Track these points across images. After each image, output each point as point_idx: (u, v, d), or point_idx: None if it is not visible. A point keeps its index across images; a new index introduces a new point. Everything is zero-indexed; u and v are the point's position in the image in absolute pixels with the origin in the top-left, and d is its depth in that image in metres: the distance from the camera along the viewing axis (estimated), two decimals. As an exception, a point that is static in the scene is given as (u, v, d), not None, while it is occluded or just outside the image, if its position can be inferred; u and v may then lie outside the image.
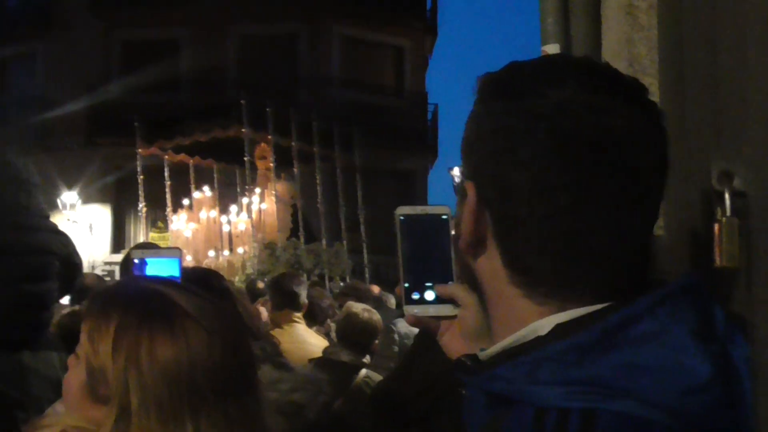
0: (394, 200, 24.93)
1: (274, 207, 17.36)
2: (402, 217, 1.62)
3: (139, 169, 18.33)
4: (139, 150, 18.37)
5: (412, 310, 1.60)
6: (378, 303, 8.95)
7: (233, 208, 17.72)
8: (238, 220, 17.34)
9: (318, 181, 18.08)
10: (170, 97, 26.73)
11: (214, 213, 17.95)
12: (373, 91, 29.08)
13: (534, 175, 1.17)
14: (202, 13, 27.94)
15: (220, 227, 17.69)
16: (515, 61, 1.30)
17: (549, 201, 1.16)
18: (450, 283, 1.57)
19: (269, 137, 17.34)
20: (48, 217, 4.65)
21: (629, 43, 1.85)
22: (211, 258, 16.73)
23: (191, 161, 19.20)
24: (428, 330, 1.65)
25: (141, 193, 18.43)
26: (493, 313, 1.28)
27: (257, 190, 17.60)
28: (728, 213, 1.17)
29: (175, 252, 2.63)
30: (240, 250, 16.63)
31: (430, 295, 1.60)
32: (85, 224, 26.95)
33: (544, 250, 1.18)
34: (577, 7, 2.37)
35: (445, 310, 1.59)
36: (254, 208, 17.24)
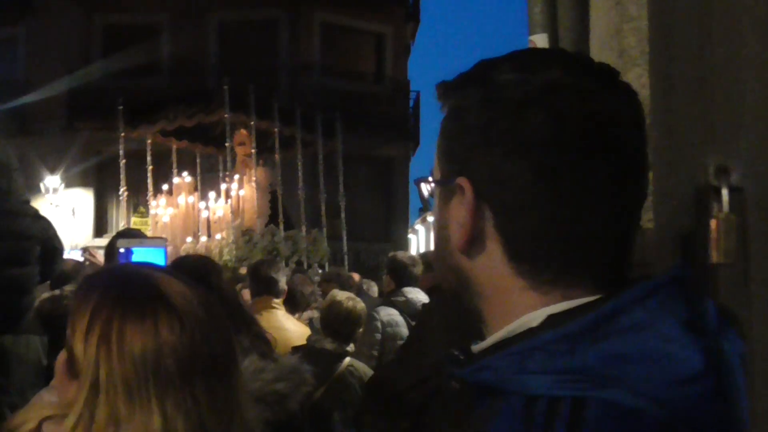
0: (375, 187, 25.06)
1: (254, 193, 17.22)
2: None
3: (121, 153, 18.15)
4: (123, 134, 18.19)
5: None
6: (359, 290, 8.95)
7: (212, 194, 17.58)
8: (216, 206, 17.22)
9: (299, 168, 17.98)
10: (151, 81, 26.76)
11: (192, 198, 17.81)
12: (354, 78, 29.01)
13: (533, 160, 1.17)
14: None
15: (198, 213, 17.56)
16: (484, 59, 1.29)
17: (550, 185, 1.17)
18: None
19: (251, 123, 17.20)
20: (28, 201, 4.65)
21: (618, 34, 1.78)
22: (189, 244, 16.55)
23: (174, 145, 19.05)
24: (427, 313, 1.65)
25: (123, 177, 18.27)
26: (491, 310, 1.27)
27: (236, 176, 17.46)
28: (725, 209, 1.16)
29: (160, 241, 2.64)
30: (218, 236, 16.49)
31: None
32: (67, 208, 26.90)
33: (548, 235, 1.18)
34: None
35: None
36: (233, 194, 17.12)
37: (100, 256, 11.23)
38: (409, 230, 32.56)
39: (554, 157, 1.16)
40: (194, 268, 3.26)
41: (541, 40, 2.49)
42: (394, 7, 29.98)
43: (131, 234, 4.43)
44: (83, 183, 27.98)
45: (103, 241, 26.47)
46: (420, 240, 47.94)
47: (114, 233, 22.10)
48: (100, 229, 27.96)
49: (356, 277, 10.93)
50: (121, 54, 27.51)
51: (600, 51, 1.83)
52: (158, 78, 27.38)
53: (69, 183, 27.46)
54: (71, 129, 27.25)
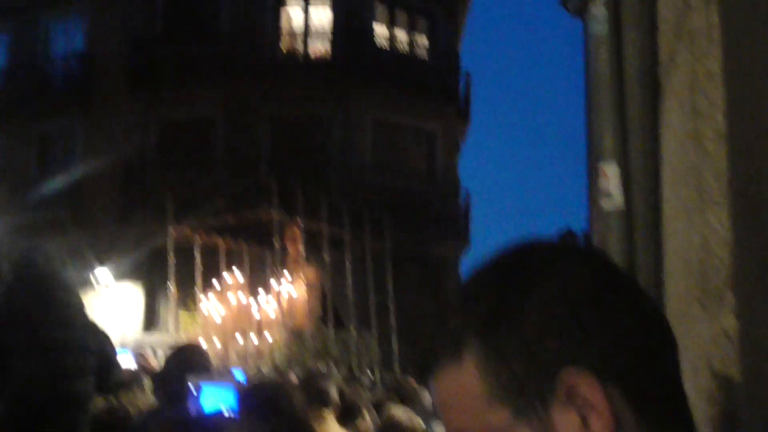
0: (425, 287, 24.81)
1: (303, 292, 17.23)
2: None
3: (169, 248, 18.23)
4: (171, 229, 18.29)
5: None
6: (414, 396, 8.69)
7: (262, 291, 17.55)
8: (266, 305, 17.17)
9: (348, 267, 17.87)
10: (203, 177, 26.99)
11: (243, 296, 17.78)
12: (405, 176, 29.08)
13: (629, 327, 1.13)
14: (237, 94, 28.21)
15: (248, 311, 17.52)
16: (519, 250, 1.21)
17: (647, 343, 1.14)
18: None
19: (299, 221, 17.21)
20: (84, 309, 4.60)
21: (695, 171, 1.72)
22: (240, 344, 16.52)
23: (221, 242, 19.06)
24: None
25: (171, 272, 18.32)
26: None
27: (286, 274, 17.43)
28: None
29: (229, 379, 2.57)
30: (267, 334, 16.44)
31: None
32: (117, 301, 26.75)
33: (664, 384, 1.15)
34: (634, 125, 2.23)
35: None
36: (283, 293, 17.07)
37: (152, 360, 11.09)
38: None
39: (637, 322, 1.15)
40: (266, 400, 3.41)
41: (611, 170, 2.41)
42: (445, 106, 30.07)
43: (192, 358, 4.53)
44: (134, 276, 27.92)
45: (152, 337, 26.48)
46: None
47: (163, 329, 22.01)
48: (149, 323, 27.92)
49: (411, 382, 10.65)
50: (175, 149, 27.88)
51: (676, 185, 1.70)
52: (210, 173, 27.62)
53: (119, 276, 27.38)
54: (123, 222, 27.40)
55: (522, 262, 1.16)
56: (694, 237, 1.82)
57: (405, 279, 24.44)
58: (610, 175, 2.37)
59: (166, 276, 20.60)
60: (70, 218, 27.64)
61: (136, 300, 28.17)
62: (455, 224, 29.77)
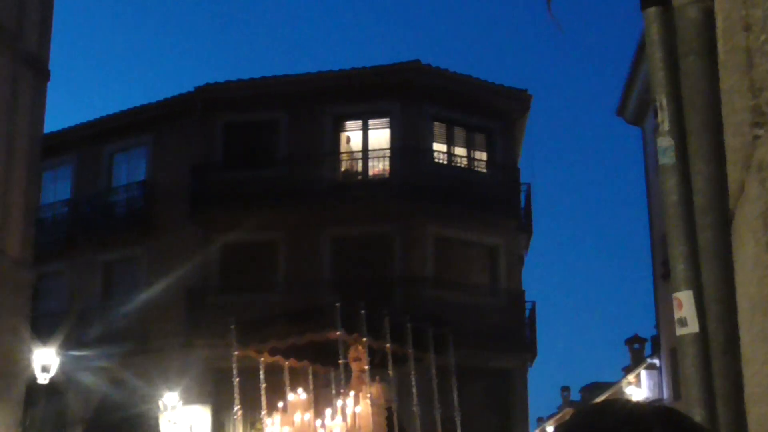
0: (491, 400, 24.53)
1: (369, 410, 16.92)
2: None
3: (234, 371, 18.13)
4: (235, 353, 18.21)
5: None
6: None
7: (328, 411, 17.32)
8: (332, 423, 16.92)
9: (413, 384, 17.63)
10: (265, 298, 27.13)
11: (308, 416, 17.57)
12: (468, 290, 29.01)
13: None
14: (298, 216, 28.55)
15: (314, 430, 17.29)
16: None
17: None
18: None
19: (364, 339, 17.06)
20: None
21: None
22: None
23: (286, 363, 18.95)
24: None
25: (236, 395, 18.18)
26: None
27: (351, 393, 17.20)
28: None
29: None
30: (335, 455, 16.17)
31: None
32: (185, 425, 26.85)
33: None
34: (707, 254, 2.18)
35: None
36: (348, 411, 16.82)
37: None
38: None
39: None
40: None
41: (686, 298, 2.36)
42: (506, 219, 30.07)
43: None
44: (201, 400, 27.98)
45: None
46: (539, 452, 46.59)
47: None
48: (217, 447, 27.90)
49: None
50: (237, 271, 28.14)
51: (752, 314, 1.63)
52: (272, 294, 27.83)
53: (187, 400, 27.45)
54: (188, 346, 27.55)
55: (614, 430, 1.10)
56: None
57: (470, 391, 24.18)
58: (685, 303, 2.33)
59: (232, 398, 20.56)
60: (137, 346, 27.89)
61: (203, 423, 28.12)
62: (520, 336, 29.60)
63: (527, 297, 30.71)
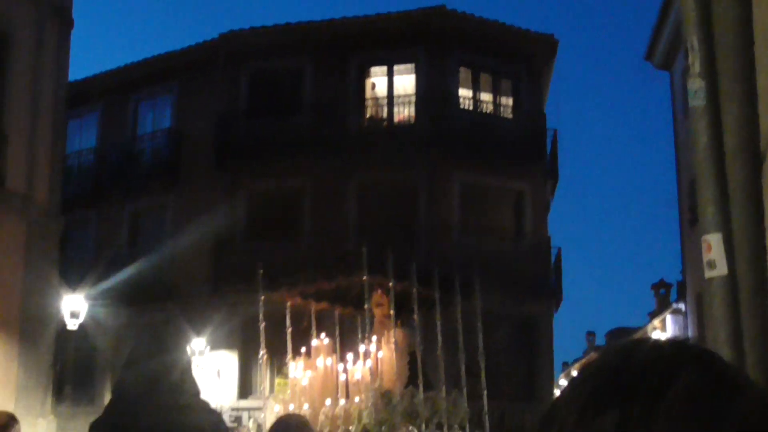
0: (517, 346, 24.65)
1: (392, 355, 17.00)
2: None
3: (261, 316, 18.26)
4: (263, 297, 18.32)
5: None
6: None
7: (350, 356, 17.43)
8: (354, 368, 17.03)
9: (438, 329, 17.69)
10: (292, 246, 27.43)
11: (331, 361, 17.68)
12: (494, 237, 29.09)
13: None
14: (323, 164, 28.56)
15: (337, 375, 17.40)
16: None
17: None
18: None
19: (390, 284, 17.09)
20: (200, 393, 4.78)
21: None
22: (328, 406, 16.36)
23: (313, 307, 19.05)
24: None
25: (262, 340, 18.33)
26: None
27: (375, 338, 17.27)
28: None
29: None
30: (356, 398, 16.19)
31: None
32: (212, 370, 27.09)
33: None
34: (737, 195, 2.16)
35: None
36: (371, 356, 16.91)
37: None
38: (554, 386, 31.84)
39: None
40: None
41: (715, 241, 2.35)
42: (533, 165, 29.94)
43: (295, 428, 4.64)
44: (228, 345, 28.30)
45: (248, 402, 26.67)
46: (564, 396, 46.65)
47: (257, 395, 22.07)
48: (244, 391, 28.12)
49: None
50: (263, 220, 28.18)
51: None
52: (298, 242, 28.01)
53: (214, 345, 27.72)
54: (216, 293, 27.67)
55: (643, 370, 1.07)
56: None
57: (496, 337, 24.25)
58: (714, 245, 2.32)
59: (258, 343, 20.73)
60: (165, 292, 28.04)
61: (230, 368, 28.47)
62: (546, 282, 29.58)
63: (553, 243, 30.66)
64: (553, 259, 30.38)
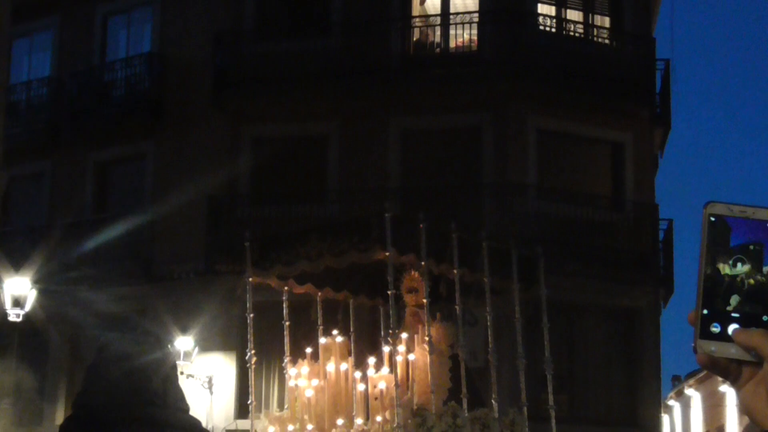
0: (609, 350, 24.11)
1: (427, 358, 16.60)
2: (712, 218, 1.71)
3: (248, 305, 17.99)
4: (249, 279, 17.94)
5: (707, 346, 1.68)
6: None
7: (371, 360, 16.94)
8: (376, 376, 16.59)
9: (488, 324, 17.18)
10: (311, 211, 27.65)
11: (345, 366, 17.23)
12: (583, 203, 28.63)
13: None
14: (355, 102, 28.59)
15: (352, 385, 16.90)
16: None
17: None
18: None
19: (423, 263, 16.64)
20: (188, 409, 4.79)
21: None
22: (340, 427, 16.13)
23: (318, 295, 18.62)
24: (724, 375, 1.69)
25: (250, 336, 18.12)
26: None
27: (404, 335, 16.63)
28: None
29: None
30: (378, 418, 15.83)
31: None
32: (202, 378, 27.00)
33: None
34: None
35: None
36: (399, 359, 16.38)
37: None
38: (661, 408, 31.27)
39: None
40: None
41: None
42: (636, 108, 29.60)
43: None
44: (223, 346, 28.24)
45: (249, 422, 26.31)
46: (675, 421, 45.67)
47: (263, 415, 21.86)
48: (244, 407, 27.66)
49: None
50: (273, 176, 28.45)
51: None
52: (320, 205, 28.22)
53: (205, 346, 27.61)
54: (209, 274, 27.26)
55: None
56: None
57: (581, 338, 23.87)
58: None
59: (259, 344, 20.65)
60: (141, 271, 27.80)
61: (226, 376, 28.28)
62: (652, 264, 29.12)
63: (662, 213, 30.28)
64: (661, 234, 29.87)
